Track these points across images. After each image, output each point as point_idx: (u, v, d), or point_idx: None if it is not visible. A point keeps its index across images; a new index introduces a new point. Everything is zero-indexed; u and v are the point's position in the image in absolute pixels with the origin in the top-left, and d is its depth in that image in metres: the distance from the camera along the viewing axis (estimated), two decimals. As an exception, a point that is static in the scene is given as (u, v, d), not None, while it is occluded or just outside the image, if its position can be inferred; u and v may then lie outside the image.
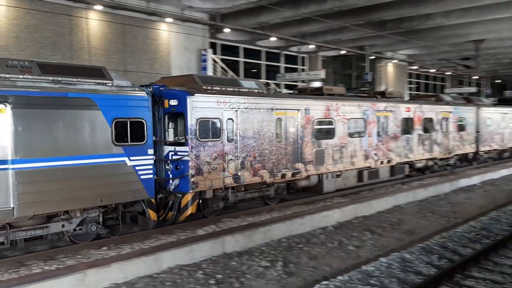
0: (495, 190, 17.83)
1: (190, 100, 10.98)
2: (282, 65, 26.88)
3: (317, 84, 22.26)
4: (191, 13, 19.84)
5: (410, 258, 9.28)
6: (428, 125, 19.49)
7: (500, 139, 25.13)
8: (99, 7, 18.09)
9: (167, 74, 19.53)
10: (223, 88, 12.35)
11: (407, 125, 18.28)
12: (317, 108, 14.53)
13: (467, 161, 23.37)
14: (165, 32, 20.53)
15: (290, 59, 28.35)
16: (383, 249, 10.00)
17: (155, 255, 8.56)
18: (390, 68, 30.16)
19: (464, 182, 18.69)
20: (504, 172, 21.98)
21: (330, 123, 14.96)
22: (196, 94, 11.16)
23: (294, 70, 27.64)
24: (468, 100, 24.11)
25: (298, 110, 13.85)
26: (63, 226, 9.34)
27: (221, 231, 10.27)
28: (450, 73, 36.99)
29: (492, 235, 11.27)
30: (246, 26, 21.09)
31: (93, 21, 18.71)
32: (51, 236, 9.48)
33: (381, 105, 17.04)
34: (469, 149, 22.49)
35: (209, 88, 11.94)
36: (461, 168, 22.13)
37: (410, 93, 33.84)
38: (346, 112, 15.53)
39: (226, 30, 20.84)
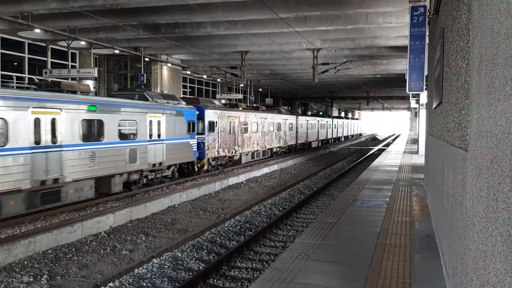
0: (257, 187, 19.93)
1: (206, 111, 21.59)
2: (49, 60, 24.57)
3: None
4: None
5: (181, 256, 9.58)
6: (278, 127, 32.76)
7: (305, 136, 40.34)
8: None
9: None
10: (212, 104, 23.23)
11: (276, 127, 32.27)
12: (242, 116, 26.17)
13: (291, 150, 36.90)
14: None
15: (59, 54, 26.13)
16: (157, 250, 10.08)
17: None
18: (165, 71, 30.69)
19: (232, 180, 20.36)
20: (265, 170, 24.81)
21: (246, 124, 26.71)
22: (208, 109, 21.83)
23: (64, 66, 25.61)
24: (291, 112, 39.90)
25: (236, 117, 25.20)
26: (167, 172, 18.61)
27: (-31, 249, 8.79)
28: (220, 80, 39.79)
29: (254, 227, 12.55)
30: (5, 14, 18.59)
31: None
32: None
33: (263, 115, 29.87)
34: (294, 141, 37.15)
35: (208, 104, 22.50)
36: (230, 168, 24.17)
37: (184, 96, 35.20)
38: (251, 119, 27.61)
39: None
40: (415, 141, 39.58)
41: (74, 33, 21.56)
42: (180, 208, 14.85)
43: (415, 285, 5.07)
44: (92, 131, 13.98)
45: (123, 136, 15.16)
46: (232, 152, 24.45)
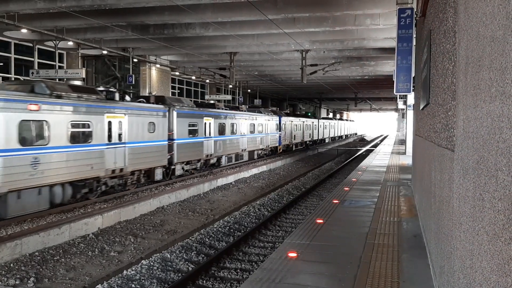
0: (246, 188, 19.93)
1: (282, 118, 36.43)
2: (36, 60, 24.32)
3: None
4: None
5: (170, 258, 9.55)
6: (309, 127, 46.27)
7: (322, 134, 53.84)
8: None
9: None
10: (282, 113, 38.73)
11: (299, 127, 42.54)
12: (294, 120, 40.12)
13: (313, 143, 48.95)
14: None
15: (46, 54, 25.87)
16: (145, 252, 10.04)
17: None
18: (154, 72, 30.55)
19: (221, 181, 20.33)
20: (254, 171, 24.81)
21: (295, 125, 40.39)
22: (282, 116, 36.94)
23: (51, 66, 25.37)
24: (315, 116, 54.45)
25: (291, 121, 39.46)
26: (266, 151, 33.98)
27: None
28: (208, 81, 39.72)
29: (243, 228, 12.56)
30: (-9, 13, 18.38)
31: None
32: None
33: (302, 119, 43.68)
34: (317, 137, 50.71)
35: (281, 113, 37.91)
36: (219, 168, 24.16)
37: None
38: (297, 122, 41.20)
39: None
40: (402, 142, 39.89)
41: (61, 33, 21.37)
42: (169, 209, 14.80)
43: (403, 284, 5.12)
44: (246, 128, 27.96)
45: (256, 131, 29.81)
46: (289, 143, 38.66)
